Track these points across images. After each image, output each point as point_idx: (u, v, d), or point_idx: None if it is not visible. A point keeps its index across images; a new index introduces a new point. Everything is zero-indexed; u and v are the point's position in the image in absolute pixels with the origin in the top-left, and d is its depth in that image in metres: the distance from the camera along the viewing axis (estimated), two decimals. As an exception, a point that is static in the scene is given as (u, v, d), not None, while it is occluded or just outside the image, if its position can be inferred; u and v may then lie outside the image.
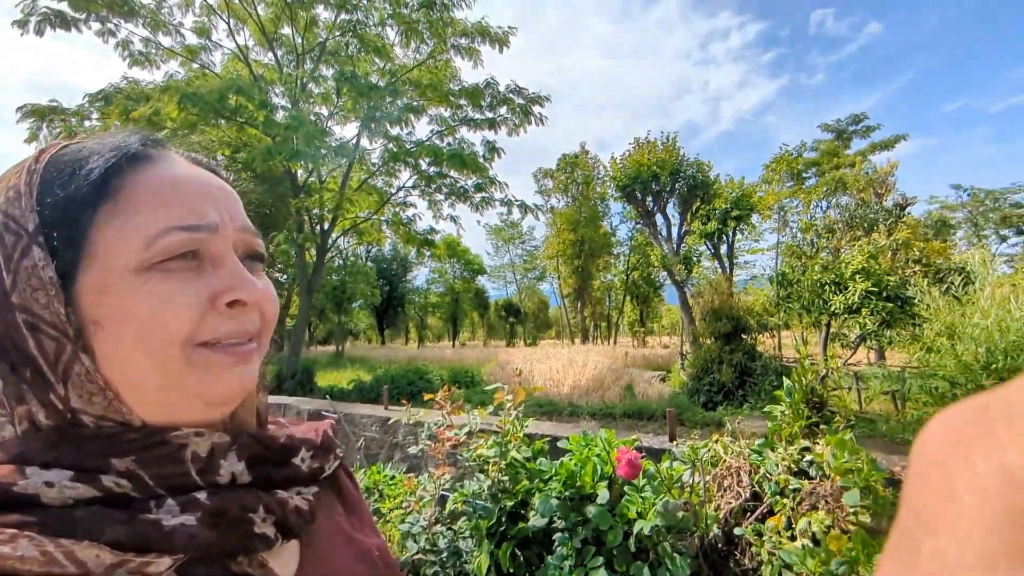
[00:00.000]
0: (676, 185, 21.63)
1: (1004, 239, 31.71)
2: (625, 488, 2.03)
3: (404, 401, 3.03)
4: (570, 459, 2.33)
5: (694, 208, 22.01)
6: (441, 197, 15.04)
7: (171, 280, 0.37)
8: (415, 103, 13.44)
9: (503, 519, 2.33)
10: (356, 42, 12.92)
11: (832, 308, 12.86)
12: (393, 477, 3.64)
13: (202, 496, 0.37)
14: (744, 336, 13.21)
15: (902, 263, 13.98)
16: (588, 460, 2.21)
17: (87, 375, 0.36)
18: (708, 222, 21.32)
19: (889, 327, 11.76)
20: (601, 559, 1.92)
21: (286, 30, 13.34)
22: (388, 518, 3.27)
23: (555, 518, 2.14)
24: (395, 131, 13.46)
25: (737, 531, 1.95)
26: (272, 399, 7.29)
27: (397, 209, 16.35)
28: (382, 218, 16.39)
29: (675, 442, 3.36)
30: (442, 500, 2.70)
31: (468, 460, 2.50)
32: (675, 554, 1.85)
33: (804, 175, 28.76)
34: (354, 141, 13.88)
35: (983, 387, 5.23)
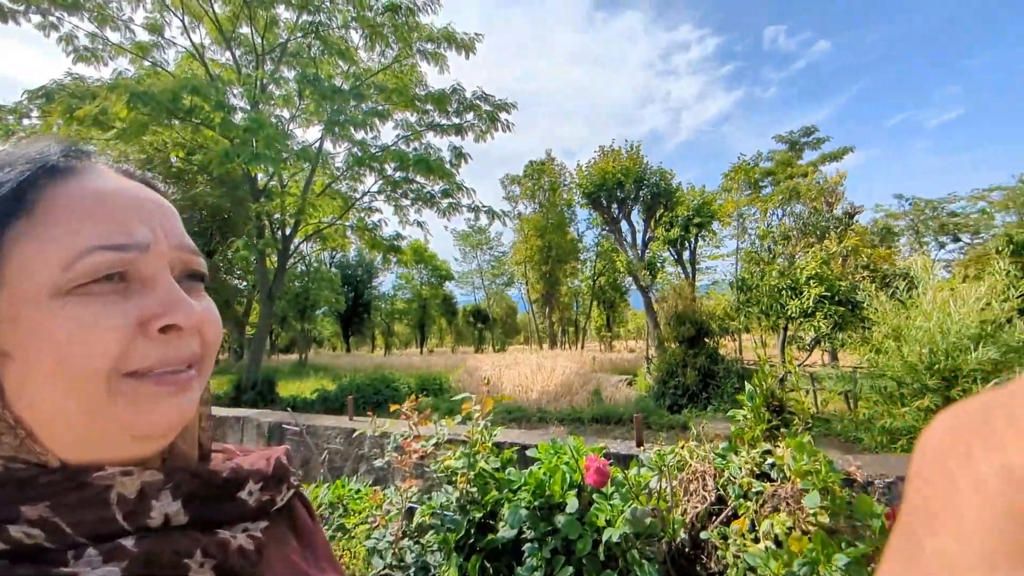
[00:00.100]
0: (640, 193, 22.14)
1: (943, 245, 33.87)
2: (594, 496, 2.03)
3: (370, 412, 2.95)
4: (539, 468, 2.32)
5: (658, 215, 22.55)
6: (407, 202, 14.87)
7: (94, 304, 0.34)
8: (380, 107, 13.25)
9: (472, 531, 2.30)
10: (319, 44, 12.66)
11: (789, 312, 13.40)
12: (358, 491, 3.54)
13: (129, 543, 0.33)
14: (707, 340, 13.58)
15: (852, 269, 14.72)
16: (557, 469, 2.20)
17: None
18: (671, 229, 21.86)
19: (841, 330, 12.34)
20: (571, 569, 1.91)
21: (245, 29, 12.93)
22: (353, 534, 3.17)
23: (524, 528, 2.12)
24: (360, 135, 13.25)
25: (703, 535, 1.98)
26: (230, 412, 7.00)
27: (362, 214, 16.06)
28: (346, 223, 16.06)
29: (642, 447, 3.40)
30: (409, 513, 2.64)
31: (436, 472, 2.45)
32: (643, 561, 1.86)
33: (761, 184, 29.94)
34: (317, 145, 13.58)
35: (927, 386, 5.54)
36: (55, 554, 0.31)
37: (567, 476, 2.16)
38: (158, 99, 8.54)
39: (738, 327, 16.79)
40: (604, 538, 1.85)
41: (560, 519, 2.01)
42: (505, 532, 2.14)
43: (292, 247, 14.81)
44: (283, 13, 12.88)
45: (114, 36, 11.91)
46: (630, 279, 27.10)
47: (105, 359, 0.33)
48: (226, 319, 19.71)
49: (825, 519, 1.66)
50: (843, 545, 1.59)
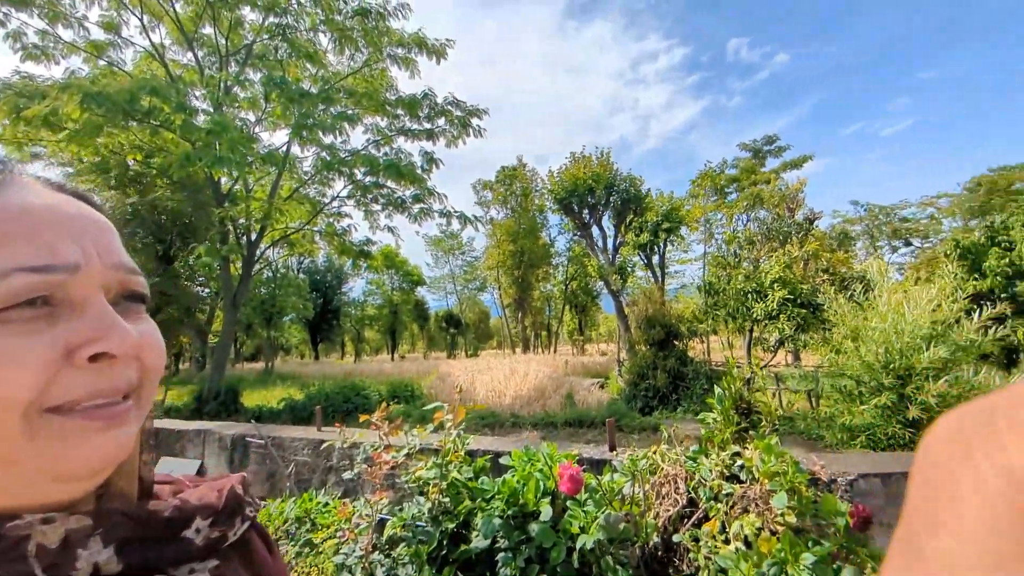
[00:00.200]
0: (611, 198, 22.49)
1: (895, 249, 35.63)
2: (568, 503, 2.03)
3: (337, 425, 2.88)
4: (513, 476, 2.30)
5: (628, 220, 22.93)
6: (378, 207, 14.65)
7: (12, 333, 0.30)
8: (350, 111, 13.05)
9: (444, 542, 2.26)
10: (286, 47, 12.39)
11: (755, 315, 13.79)
12: (327, 504, 3.44)
13: None
14: (676, 342, 13.84)
15: (813, 272, 15.28)
16: (531, 477, 2.19)
17: None
18: (641, 234, 22.25)
19: (803, 331, 12.78)
20: (545, 577, 1.90)
21: (208, 30, 12.54)
22: (321, 549, 3.08)
23: (498, 538, 2.09)
24: (329, 139, 12.99)
25: (676, 538, 1.99)
26: (190, 425, 6.72)
27: (331, 219, 15.74)
28: (315, 229, 15.72)
29: (615, 452, 3.42)
30: (380, 525, 2.58)
31: (407, 483, 2.40)
32: (617, 566, 1.86)
33: (726, 190, 30.83)
34: (284, 149, 13.26)
35: (883, 384, 5.77)
36: None
37: (541, 484, 2.15)
38: (114, 100, 8.14)
39: (706, 330, 17.19)
40: (578, 545, 1.84)
41: (534, 527, 1.99)
42: (478, 542, 2.11)
43: (258, 253, 14.37)
44: (248, 14, 12.56)
45: (66, 34, 11.37)
46: (601, 283, 27.44)
47: (22, 395, 0.30)
48: (188, 327, 18.97)
49: (792, 519, 1.70)
50: (810, 544, 1.62)
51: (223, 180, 13.39)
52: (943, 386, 5.17)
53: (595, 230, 23.86)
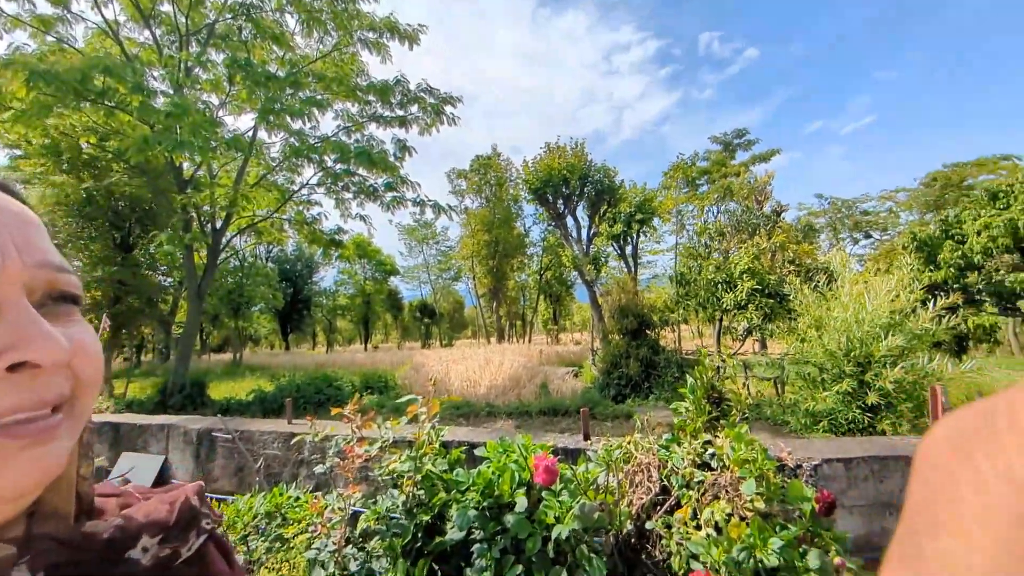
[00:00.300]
0: (585, 189, 22.59)
1: (856, 241, 37.06)
2: (543, 494, 2.03)
3: (309, 418, 2.81)
4: (488, 467, 2.29)
5: (602, 211, 23.10)
6: (349, 195, 14.32)
7: None
8: (319, 96, 12.64)
9: (419, 534, 2.24)
10: (251, 27, 11.87)
11: (724, 305, 14.14)
12: (298, 499, 3.38)
13: None
14: (648, 332, 14.07)
15: (780, 264, 15.74)
16: (506, 468, 2.18)
17: None
18: (614, 224, 22.46)
19: (770, 321, 13.19)
20: (520, 567, 1.90)
21: (167, 7, 11.91)
22: (292, 544, 3.02)
23: (473, 529, 2.09)
24: (297, 125, 12.57)
25: (648, 525, 2.03)
26: (153, 419, 6.48)
27: (301, 207, 15.31)
28: (284, 217, 15.27)
29: (589, 441, 3.46)
30: (353, 519, 2.54)
31: (381, 476, 2.37)
32: (592, 555, 1.88)
33: (698, 182, 31.36)
34: (250, 134, 12.78)
35: (844, 371, 6.00)
36: None
37: (516, 475, 2.15)
38: (63, 78, 7.63)
39: (677, 319, 17.56)
40: (553, 535, 1.85)
41: (509, 518, 1.99)
42: (454, 534, 2.10)
43: (224, 241, 13.87)
44: (210, -9, 11.98)
45: (10, 7, 10.60)
46: (576, 273, 27.63)
47: None
48: (149, 318, 18.24)
49: (761, 505, 1.74)
50: (777, 529, 1.67)
51: (185, 165, 12.84)
52: (899, 372, 5.41)
53: (569, 220, 23.97)
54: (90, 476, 0.39)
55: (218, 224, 13.28)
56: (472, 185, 38.64)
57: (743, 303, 13.48)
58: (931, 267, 15.17)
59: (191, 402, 11.93)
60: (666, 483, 2.14)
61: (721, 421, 2.22)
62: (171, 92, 10.25)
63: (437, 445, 2.40)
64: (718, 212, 26.63)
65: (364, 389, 14.55)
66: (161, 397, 12.01)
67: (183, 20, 11.52)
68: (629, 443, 2.23)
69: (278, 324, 43.42)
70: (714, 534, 1.78)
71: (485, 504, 2.10)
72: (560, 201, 23.07)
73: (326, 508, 2.61)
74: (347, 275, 47.86)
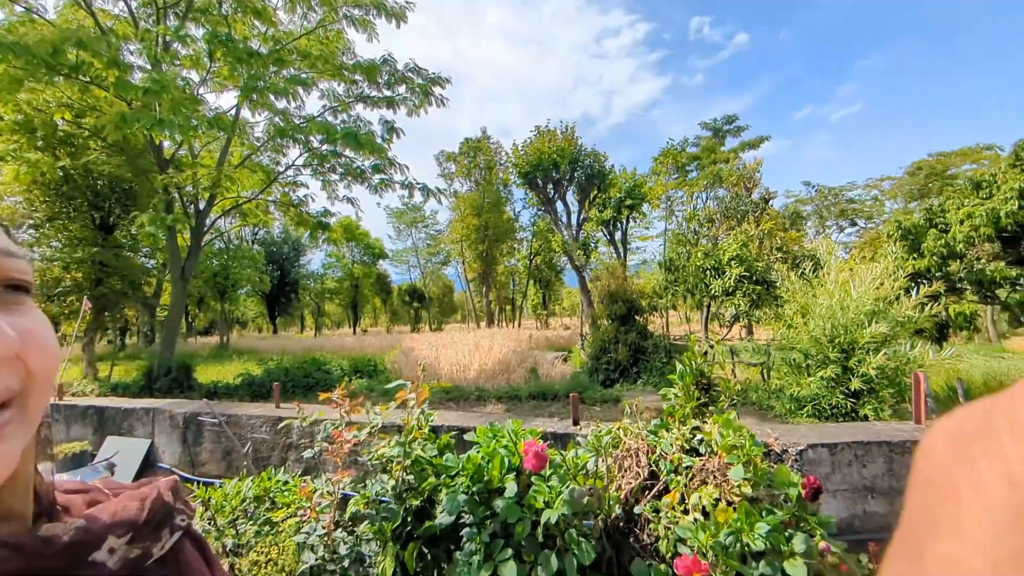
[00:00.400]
0: (575, 174, 22.48)
1: (842, 229, 37.50)
2: (532, 479, 2.04)
3: (296, 403, 2.78)
4: (477, 452, 2.29)
5: (591, 196, 23.04)
6: (336, 177, 14.07)
7: None
8: (304, 75, 12.32)
9: (409, 519, 2.24)
10: (231, 1, 11.48)
11: (712, 291, 14.25)
12: (286, 483, 3.36)
13: None
14: (637, 317, 14.17)
15: (767, 251, 15.87)
16: (495, 453, 2.18)
17: None
18: (604, 210, 22.45)
19: (757, 307, 13.33)
20: (510, 551, 1.91)
21: (143, -23, 11.47)
22: (281, 528, 3.01)
23: (463, 514, 2.10)
24: (282, 104, 12.26)
25: (637, 510, 2.05)
26: (138, 403, 6.41)
27: (286, 189, 15.02)
28: (269, 198, 14.98)
29: (579, 426, 3.48)
30: (343, 502, 2.54)
31: (370, 461, 2.36)
32: (581, 539, 1.89)
33: (687, 168, 31.36)
34: (233, 112, 12.45)
35: (829, 357, 6.09)
36: None
37: (506, 460, 2.15)
38: (34, 51, 7.31)
39: (666, 305, 17.68)
40: (543, 520, 1.86)
41: (499, 503, 2.00)
42: (443, 518, 2.10)
43: (207, 223, 13.59)
44: (189, -38, 11.50)
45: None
46: (565, 258, 27.65)
47: None
48: (133, 301, 17.93)
49: (748, 490, 1.76)
50: (763, 513, 1.69)
51: (165, 144, 12.51)
52: (882, 359, 5.50)
53: (559, 205, 23.90)
54: (50, 473, 0.36)
55: (201, 205, 13.01)
56: (461, 168, 38.28)
57: (731, 289, 13.61)
58: (915, 255, 15.41)
59: (177, 385, 11.81)
60: (654, 468, 2.16)
61: (710, 407, 2.24)
62: (148, 67, 9.91)
63: (426, 430, 2.39)
64: (707, 198, 26.72)
65: (353, 373, 14.52)
66: (147, 380, 11.86)
67: (161, -8, 11.10)
68: (618, 429, 2.24)
69: (265, 307, 43.02)
70: (701, 519, 1.80)
71: (475, 489, 2.10)
72: (550, 186, 22.96)
73: (315, 492, 2.61)
74: (335, 258, 47.42)
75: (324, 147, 13.03)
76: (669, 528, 1.87)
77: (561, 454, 2.15)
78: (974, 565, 0.18)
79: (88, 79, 9.35)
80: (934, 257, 15.15)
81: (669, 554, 1.82)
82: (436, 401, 10.61)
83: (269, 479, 3.49)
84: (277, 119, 12.55)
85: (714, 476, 1.89)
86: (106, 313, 16.47)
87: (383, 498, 2.35)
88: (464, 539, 2.03)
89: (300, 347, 23.64)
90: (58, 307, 14.86)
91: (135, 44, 10.79)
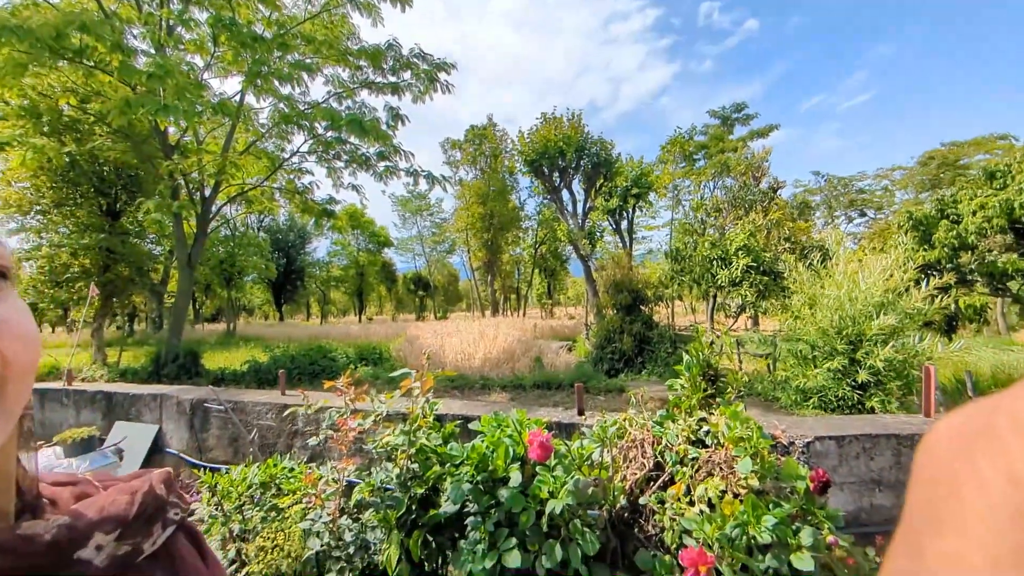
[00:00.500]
0: (581, 162, 22.30)
1: (851, 219, 37.07)
2: (537, 469, 2.03)
3: (301, 390, 2.78)
4: (482, 441, 2.29)
5: (598, 185, 22.86)
6: (341, 164, 14.00)
7: None
8: (308, 60, 12.21)
9: (413, 507, 2.25)
10: (236, -17, 11.35)
11: (719, 281, 14.17)
12: (292, 470, 3.38)
13: None
14: (642, 307, 14.12)
15: (775, 241, 15.72)
16: (500, 443, 2.18)
17: None
18: (610, 199, 22.26)
19: (764, 298, 13.25)
20: (514, 540, 1.91)
21: (147, -40, 11.35)
22: (287, 514, 3.04)
23: (467, 503, 2.10)
24: (286, 90, 12.17)
25: (642, 500, 2.04)
26: (146, 389, 6.47)
27: (292, 176, 14.98)
28: (274, 185, 14.96)
29: (583, 416, 3.47)
30: (348, 489, 2.55)
31: (375, 449, 2.36)
32: (585, 529, 1.89)
33: (695, 157, 31.02)
34: (238, 98, 12.38)
35: (836, 349, 6.05)
36: None
37: (510, 449, 2.15)
38: (37, 35, 7.27)
39: (671, 295, 17.61)
40: (547, 510, 1.86)
41: (503, 492, 1.99)
42: (447, 507, 2.10)
43: (213, 209, 13.61)
44: (192, -55, 11.35)
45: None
46: (571, 248, 27.54)
47: None
48: (141, 287, 18.05)
49: (755, 482, 1.75)
50: (770, 506, 1.68)
51: (171, 130, 12.47)
52: (890, 351, 5.46)
53: (565, 194, 23.74)
54: (32, 467, 0.34)
55: (207, 192, 13.01)
56: (467, 156, 38.03)
57: (738, 280, 13.52)
58: (926, 246, 15.21)
59: (185, 372, 11.92)
60: (660, 459, 2.15)
61: (716, 399, 2.22)
62: (152, 52, 9.85)
63: (431, 419, 2.39)
64: (715, 188, 26.44)
65: (359, 361, 14.59)
66: (155, 366, 11.98)
67: (164, -25, 10.99)
68: (624, 419, 2.23)
69: (271, 294, 43.25)
70: (707, 510, 1.79)
71: (479, 478, 2.10)
72: (556, 174, 22.80)
73: (320, 479, 2.62)
74: (340, 246, 47.49)
75: (329, 134, 12.96)
76: (674, 519, 1.86)
77: (566, 444, 2.14)
78: (975, 562, 0.18)
79: (92, 63, 9.31)
80: (945, 248, 14.95)
81: (674, 545, 1.81)
82: (441, 389, 10.66)
83: (275, 466, 3.51)
84: (282, 105, 12.48)
85: (720, 468, 1.88)
86: (114, 299, 16.60)
87: (388, 486, 2.36)
88: (468, 528, 2.03)
89: (306, 334, 23.78)
90: (67, 293, 14.99)
91: (139, 28, 10.71)
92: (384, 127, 12.73)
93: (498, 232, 38.17)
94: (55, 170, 13.98)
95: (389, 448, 2.33)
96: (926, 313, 5.87)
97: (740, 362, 10.66)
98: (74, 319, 15.25)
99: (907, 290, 5.90)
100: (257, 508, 3.09)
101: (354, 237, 47.16)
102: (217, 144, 13.95)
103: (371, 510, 2.37)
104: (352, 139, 13.11)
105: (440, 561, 2.31)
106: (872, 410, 5.26)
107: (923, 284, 5.93)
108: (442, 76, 12.80)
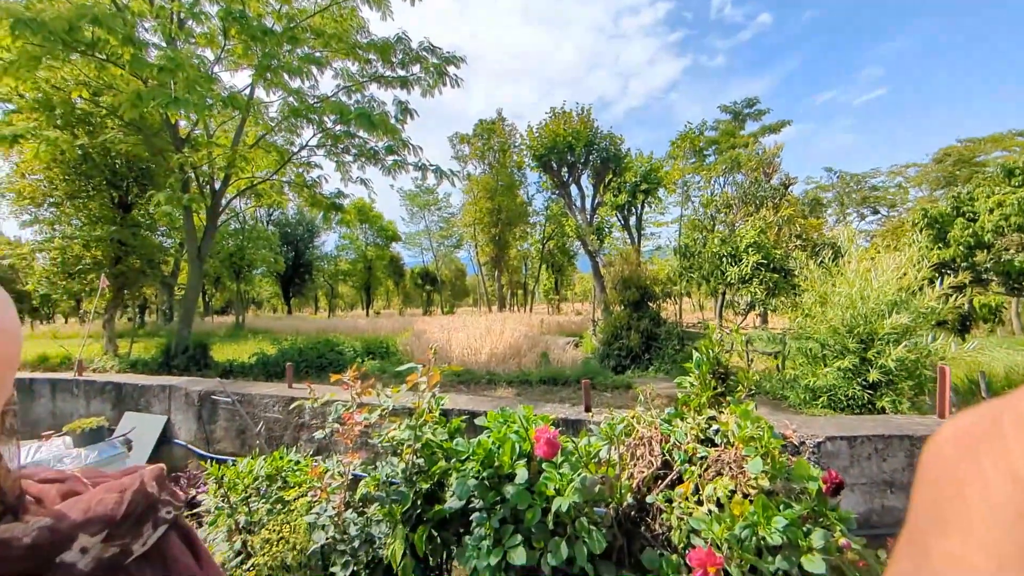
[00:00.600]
0: (590, 157, 22.15)
1: (863, 217, 36.57)
2: (543, 465, 2.01)
3: (307, 384, 2.78)
4: (488, 437, 2.27)
5: (607, 180, 22.73)
6: (349, 158, 14.01)
7: None
8: (317, 53, 12.20)
9: (418, 502, 2.24)
10: (245, -24, 11.35)
11: (728, 278, 14.04)
12: (298, 463, 3.39)
13: None
14: (650, 304, 14.04)
15: (786, 238, 15.55)
16: (506, 439, 2.16)
17: None
18: (619, 194, 22.13)
19: (774, 295, 13.12)
20: (520, 537, 1.90)
21: (158, -47, 11.38)
22: (293, 507, 3.05)
23: (473, 499, 2.08)
24: (296, 83, 12.18)
25: (649, 499, 2.01)
26: (155, 380, 6.53)
27: (300, 169, 15.03)
28: (283, 179, 15.00)
29: (591, 412, 3.45)
30: (353, 483, 2.55)
31: (381, 443, 2.36)
32: (591, 527, 1.87)
33: (705, 153, 30.70)
34: (248, 91, 12.41)
35: (847, 348, 5.97)
36: None
37: (516, 446, 2.13)
38: (50, 28, 7.32)
39: (679, 292, 17.50)
40: (553, 507, 1.84)
41: (509, 489, 1.98)
42: (453, 502, 2.09)
43: (223, 203, 13.68)
44: (203, -62, 11.36)
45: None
46: (578, 243, 27.44)
47: None
48: (152, 279, 18.22)
49: (765, 483, 1.71)
50: (781, 507, 1.65)
51: (181, 123, 12.53)
52: (902, 350, 5.37)
53: (573, 189, 23.64)
54: (13, 466, 0.32)
55: (217, 185, 13.08)
56: (475, 151, 37.95)
57: (747, 277, 13.40)
58: (940, 244, 14.96)
59: (195, 363, 12.04)
60: (668, 457, 2.12)
61: (726, 397, 2.18)
62: (163, 45, 9.89)
63: (437, 414, 2.38)
64: (725, 183, 26.19)
65: (365, 355, 14.66)
66: (165, 358, 12.11)
67: (176, -32, 11.00)
68: (632, 417, 2.20)
69: (280, 288, 43.57)
70: (716, 510, 1.76)
71: (485, 474, 2.09)
72: (564, 169, 22.68)
73: (326, 473, 2.62)
74: (349, 240, 47.68)
75: (338, 127, 12.97)
76: (682, 519, 1.84)
77: (573, 441, 2.11)
78: (979, 562, 0.19)
79: (104, 56, 9.36)
80: (960, 247, 14.70)
81: (681, 545, 1.79)
82: (447, 384, 10.68)
83: (281, 458, 3.52)
84: (291, 99, 12.49)
85: (730, 467, 1.84)
86: (125, 291, 16.78)
87: (393, 480, 2.35)
88: (474, 524, 2.02)
89: (314, 328, 23.93)
90: (79, 284, 15.18)
91: (150, 21, 10.75)
92: (393, 121, 12.70)
93: (506, 227, 38.13)
94: (68, 162, 14.12)
95: (395, 442, 2.32)
96: (940, 312, 5.77)
97: (750, 360, 10.57)
98: (86, 310, 15.42)
99: (920, 289, 5.81)
100: (263, 500, 3.10)
101: (362, 231, 47.35)
102: (227, 137, 14.02)
103: (376, 504, 2.37)
104: (361, 133, 13.10)
105: (445, 556, 2.30)
106: (883, 410, 5.19)
107: (937, 283, 5.82)
108: (451, 70, 12.75)
